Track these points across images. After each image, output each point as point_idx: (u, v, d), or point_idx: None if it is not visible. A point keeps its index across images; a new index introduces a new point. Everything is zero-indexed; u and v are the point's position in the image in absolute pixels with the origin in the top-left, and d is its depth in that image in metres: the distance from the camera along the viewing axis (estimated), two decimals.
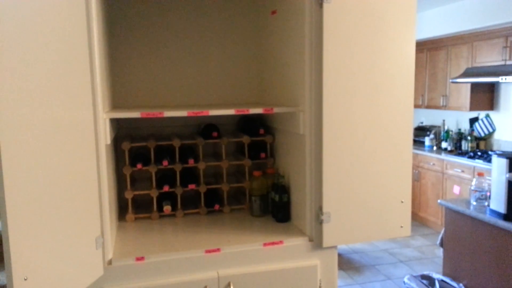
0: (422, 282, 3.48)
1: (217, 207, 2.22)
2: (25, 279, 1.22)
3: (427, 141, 6.00)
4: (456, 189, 5.21)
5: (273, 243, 1.81)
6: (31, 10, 1.24)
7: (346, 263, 4.64)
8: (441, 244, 3.54)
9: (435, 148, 5.91)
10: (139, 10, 2.24)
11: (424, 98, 6.18)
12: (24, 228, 1.22)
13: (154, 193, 2.13)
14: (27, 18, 1.22)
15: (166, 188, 2.14)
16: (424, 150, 5.85)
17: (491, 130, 5.53)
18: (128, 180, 2.11)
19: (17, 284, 1.19)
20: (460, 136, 5.76)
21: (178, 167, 2.15)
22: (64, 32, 1.37)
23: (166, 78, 2.31)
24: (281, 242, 1.82)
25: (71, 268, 1.41)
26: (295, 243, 1.84)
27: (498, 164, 2.88)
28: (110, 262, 1.63)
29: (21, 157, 1.20)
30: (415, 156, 5.82)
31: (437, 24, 5.63)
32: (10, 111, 1.17)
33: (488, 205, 3.05)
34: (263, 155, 2.26)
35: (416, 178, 5.88)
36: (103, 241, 1.59)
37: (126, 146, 2.07)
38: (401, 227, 1.89)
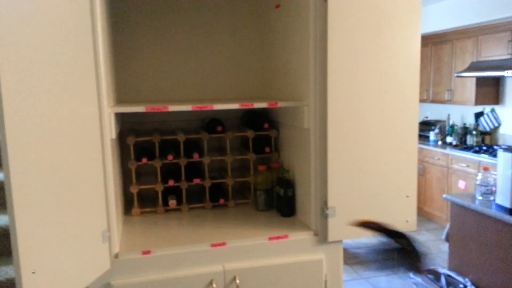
0: (428, 277, 3.48)
1: (222, 201, 2.22)
2: (33, 273, 1.23)
3: (432, 135, 5.96)
4: (461, 184, 5.19)
5: (278, 237, 1.82)
6: (36, 6, 1.24)
7: (351, 258, 4.64)
8: (447, 239, 3.54)
9: (440, 142, 5.88)
10: (144, 4, 2.24)
11: (429, 93, 6.14)
12: (32, 222, 1.23)
13: (159, 188, 2.13)
14: (31, 13, 1.22)
15: (171, 183, 2.14)
16: (429, 145, 5.82)
17: (496, 124, 5.50)
18: (134, 174, 2.12)
19: (25, 277, 1.20)
20: (465, 130, 5.73)
21: (183, 162, 2.15)
22: (69, 28, 1.37)
23: (170, 73, 2.31)
24: (286, 236, 1.83)
25: (78, 262, 1.42)
26: (300, 237, 1.84)
27: (503, 158, 2.87)
28: (116, 256, 1.65)
29: (27, 152, 1.21)
30: (420, 151, 5.80)
31: (442, 18, 5.58)
32: (16, 107, 1.17)
33: (494, 200, 3.04)
34: (267, 149, 2.26)
35: (421, 173, 5.86)
36: (110, 235, 1.59)
37: (131, 140, 2.07)
38: (407, 221, 1.88)
